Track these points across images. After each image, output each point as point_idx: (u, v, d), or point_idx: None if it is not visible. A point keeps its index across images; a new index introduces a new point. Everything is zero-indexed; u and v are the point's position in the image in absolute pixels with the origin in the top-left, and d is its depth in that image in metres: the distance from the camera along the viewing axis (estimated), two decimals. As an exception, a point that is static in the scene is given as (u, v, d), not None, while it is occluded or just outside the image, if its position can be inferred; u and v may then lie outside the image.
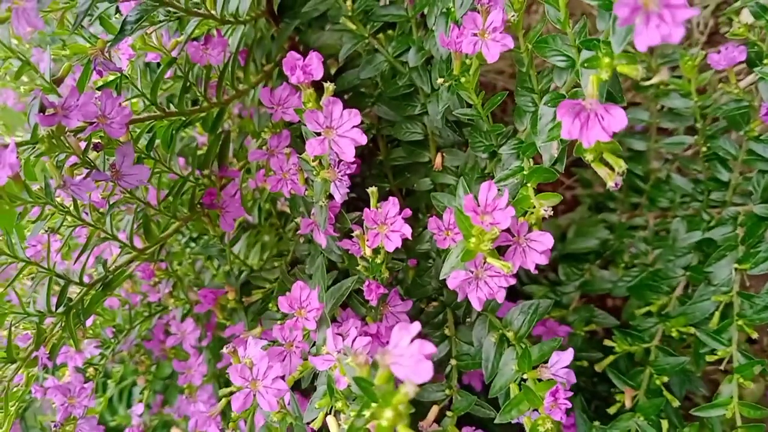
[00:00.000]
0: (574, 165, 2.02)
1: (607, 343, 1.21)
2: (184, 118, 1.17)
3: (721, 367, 1.08)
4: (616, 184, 0.67)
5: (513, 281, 0.80)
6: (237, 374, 0.83)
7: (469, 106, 0.99)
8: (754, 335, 1.06)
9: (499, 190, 0.75)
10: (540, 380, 0.86)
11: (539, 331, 1.32)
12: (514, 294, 1.51)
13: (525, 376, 0.89)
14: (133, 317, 1.51)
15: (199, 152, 1.37)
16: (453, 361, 1.06)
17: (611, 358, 1.19)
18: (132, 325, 1.49)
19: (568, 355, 0.85)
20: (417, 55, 1.10)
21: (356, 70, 1.22)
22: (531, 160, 0.88)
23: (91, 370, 1.28)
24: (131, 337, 1.54)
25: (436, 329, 1.13)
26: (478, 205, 0.75)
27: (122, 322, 1.48)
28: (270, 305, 1.26)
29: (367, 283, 0.96)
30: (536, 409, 0.86)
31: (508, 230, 0.79)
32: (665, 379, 1.11)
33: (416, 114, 1.17)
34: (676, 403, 1.09)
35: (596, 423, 1.14)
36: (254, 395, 0.83)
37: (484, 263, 0.80)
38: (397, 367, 0.58)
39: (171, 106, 1.13)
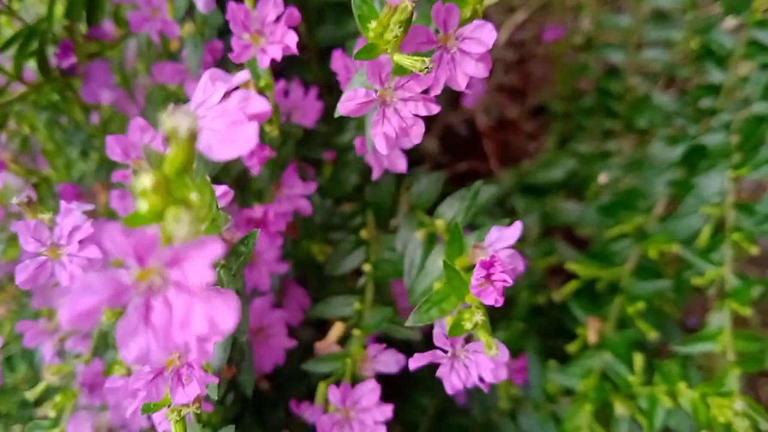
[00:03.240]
0: (538, 110, 1.81)
1: (570, 266, 0.96)
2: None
3: (710, 291, 0.86)
4: None
5: (436, 109, 0.55)
6: (28, 234, 0.55)
7: None
8: (753, 250, 0.84)
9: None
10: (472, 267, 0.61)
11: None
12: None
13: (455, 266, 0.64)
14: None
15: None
16: (367, 267, 0.81)
17: (574, 284, 0.95)
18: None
19: (514, 230, 0.60)
20: None
21: None
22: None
23: None
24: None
25: (352, 233, 0.87)
26: (385, -24, 0.50)
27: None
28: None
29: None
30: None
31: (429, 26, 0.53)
32: (640, 306, 0.87)
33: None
34: (653, 335, 0.85)
35: (552, 361, 0.90)
36: (52, 266, 0.56)
37: (393, 78, 0.54)
38: (200, 132, 0.32)
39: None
